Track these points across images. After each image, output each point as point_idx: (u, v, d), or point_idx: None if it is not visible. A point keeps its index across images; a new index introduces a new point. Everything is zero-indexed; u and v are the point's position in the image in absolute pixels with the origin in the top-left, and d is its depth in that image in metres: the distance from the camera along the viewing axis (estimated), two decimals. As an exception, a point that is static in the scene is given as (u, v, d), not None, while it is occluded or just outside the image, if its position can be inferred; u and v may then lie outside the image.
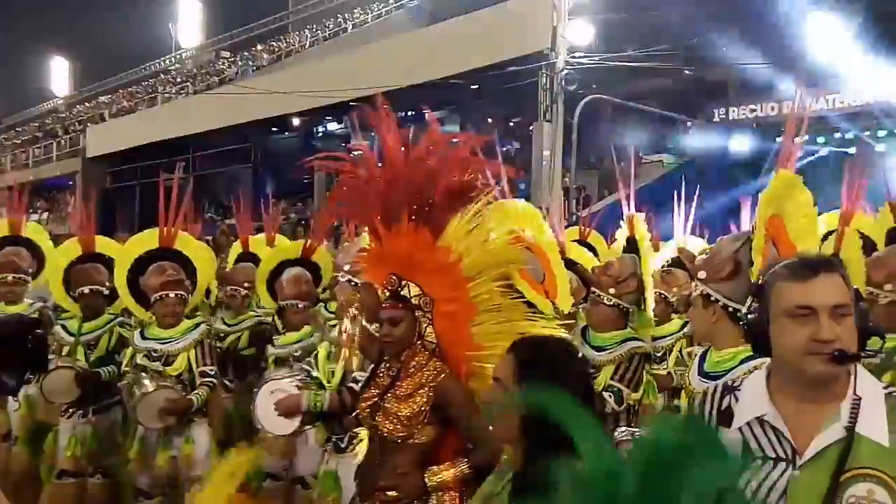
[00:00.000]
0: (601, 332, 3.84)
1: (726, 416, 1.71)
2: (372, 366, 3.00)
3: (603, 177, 18.36)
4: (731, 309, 2.59)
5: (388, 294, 2.80)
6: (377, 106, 2.94)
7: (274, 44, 28.29)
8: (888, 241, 3.93)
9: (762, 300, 1.67)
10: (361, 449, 3.63)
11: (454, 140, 3.20)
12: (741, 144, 17.27)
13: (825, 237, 3.67)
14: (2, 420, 4.97)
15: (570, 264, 4.39)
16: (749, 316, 1.72)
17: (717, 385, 1.83)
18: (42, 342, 4.29)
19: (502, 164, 3.67)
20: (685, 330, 4.51)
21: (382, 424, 2.70)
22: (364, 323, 3.48)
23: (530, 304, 3.11)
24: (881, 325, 3.12)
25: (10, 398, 4.82)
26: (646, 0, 15.23)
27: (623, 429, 3.44)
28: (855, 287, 1.69)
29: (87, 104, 36.62)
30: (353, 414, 3.41)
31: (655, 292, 4.39)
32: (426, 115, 3.13)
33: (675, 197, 5.57)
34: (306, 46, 26.63)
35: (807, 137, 3.08)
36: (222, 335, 5.09)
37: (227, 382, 5.02)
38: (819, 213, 2.97)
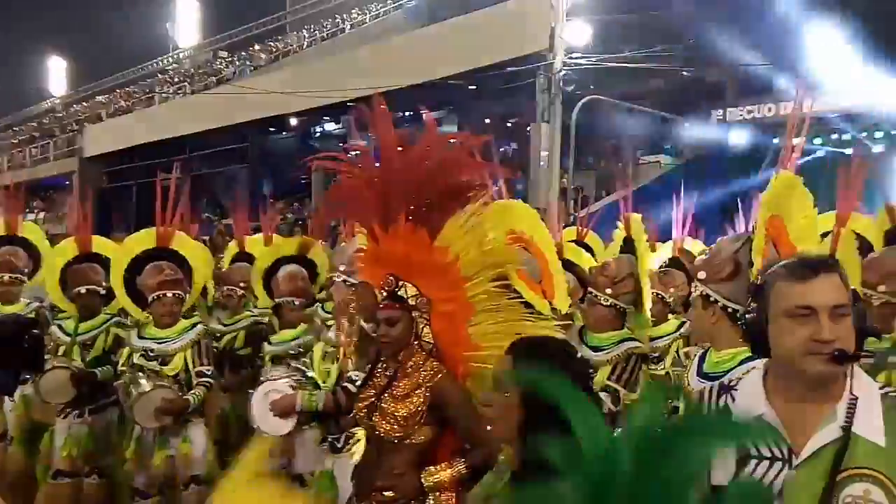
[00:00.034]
0: (598, 333, 3.84)
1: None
2: (369, 366, 3.00)
3: (600, 177, 18.40)
4: (730, 310, 2.59)
5: (385, 294, 2.80)
6: (375, 106, 2.94)
7: (272, 44, 28.28)
8: (886, 243, 3.93)
9: (761, 300, 1.67)
10: (358, 449, 3.63)
11: (452, 140, 3.20)
12: (738, 145, 17.30)
13: (821, 238, 3.67)
14: (-2, 420, 4.96)
15: (568, 265, 4.39)
16: (748, 316, 1.72)
17: (713, 384, 1.83)
18: (38, 342, 4.29)
19: (500, 164, 3.68)
20: (682, 330, 4.51)
21: (379, 424, 2.70)
22: (361, 323, 3.48)
23: (528, 305, 3.11)
24: (877, 326, 3.14)
25: (6, 398, 4.81)
26: (643, 1, 15.25)
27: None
28: (852, 288, 1.70)
29: (84, 104, 36.56)
30: (350, 414, 3.41)
31: (652, 293, 4.40)
32: (424, 115, 3.13)
33: (673, 197, 5.57)
34: (304, 46, 26.62)
35: (804, 138, 3.08)
36: (218, 335, 5.09)
37: (224, 382, 5.01)
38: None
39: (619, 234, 4.59)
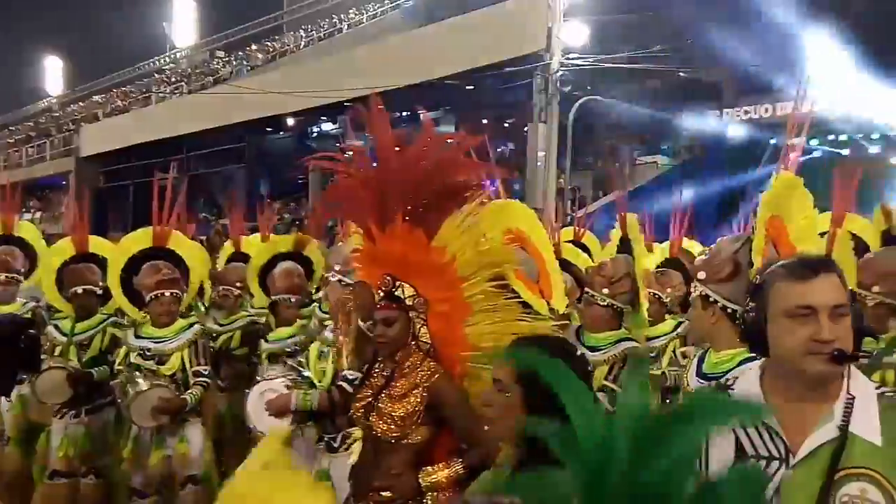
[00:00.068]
0: (595, 333, 3.85)
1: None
2: (366, 366, 3.00)
3: (597, 178, 18.42)
4: (730, 310, 2.59)
5: (382, 295, 2.80)
6: (371, 106, 2.94)
7: (269, 44, 28.25)
8: (882, 244, 3.94)
9: (759, 300, 1.68)
10: (355, 449, 3.63)
11: (449, 140, 3.20)
12: (735, 145, 17.33)
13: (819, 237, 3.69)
14: (-5, 420, 4.95)
15: (565, 265, 4.40)
16: (747, 315, 1.72)
17: (710, 384, 1.83)
18: (35, 342, 4.28)
19: (497, 164, 3.68)
20: (679, 330, 4.52)
21: (376, 424, 2.70)
22: (359, 322, 3.47)
23: (526, 304, 3.11)
24: (872, 326, 3.16)
25: (2, 398, 4.80)
26: (641, 1, 15.27)
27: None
28: (850, 288, 1.70)
29: (80, 103, 36.51)
30: (346, 413, 3.41)
31: (650, 293, 4.40)
32: (421, 115, 3.13)
33: (670, 198, 5.58)
34: (301, 46, 26.60)
35: (804, 138, 3.09)
36: (214, 335, 5.08)
37: (220, 382, 5.01)
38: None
39: (615, 234, 4.60)
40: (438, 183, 2.85)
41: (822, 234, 3.57)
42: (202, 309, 5.45)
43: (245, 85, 21.33)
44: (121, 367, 4.26)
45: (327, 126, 23.52)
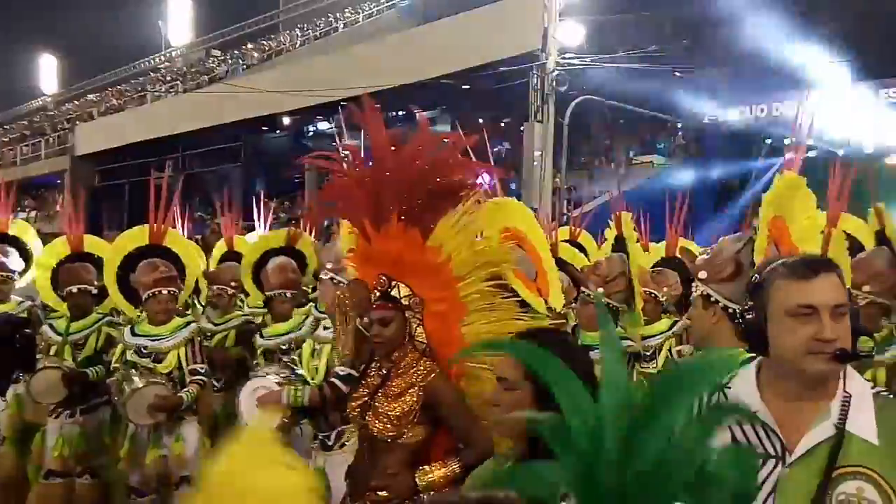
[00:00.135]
0: (591, 332, 3.86)
1: (716, 414, 1.72)
2: (363, 365, 3.00)
3: (593, 177, 18.43)
4: (731, 310, 2.58)
5: (378, 294, 2.80)
6: (365, 106, 2.94)
7: (264, 43, 28.22)
8: (876, 244, 3.97)
9: (759, 298, 1.68)
10: (349, 447, 3.63)
11: (444, 140, 3.20)
12: (731, 145, 17.37)
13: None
14: (-10, 420, 4.94)
15: (561, 264, 4.41)
16: (746, 314, 1.72)
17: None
18: (30, 342, 4.28)
19: (493, 164, 3.68)
20: (674, 329, 4.54)
21: (372, 423, 2.70)
22: (356, 321, 3.47)
23: (523, 303, 3.12)
24: (866, 325, 3.18)
25: (-2, 397, 4.80)
26: (636, 1, 15.30)
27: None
28: (848, 287, 1.71)
29: (75, 102, 36.43)
30: (337, 410, 3.41)
31: (646, 292, 4.42)
32: (417, 114, 3.13)
33: (666, 197, 5.59)
34: (297, 46, 26.58)
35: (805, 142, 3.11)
36: (209, 334, 5.07)
37: (215, 381, 5.00)
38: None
39: (610, 233, 4.61)
40: (433, 182, 2.85)
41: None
42: (199, 308, 5.45)
43: (241, 84, 21.31)
44: (117, 366, 4.25)
45: (323, 125, 23.51)
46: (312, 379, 3.85)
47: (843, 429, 1.57)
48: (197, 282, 5.07)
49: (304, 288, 5.01)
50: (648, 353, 4.48)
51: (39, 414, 4.64)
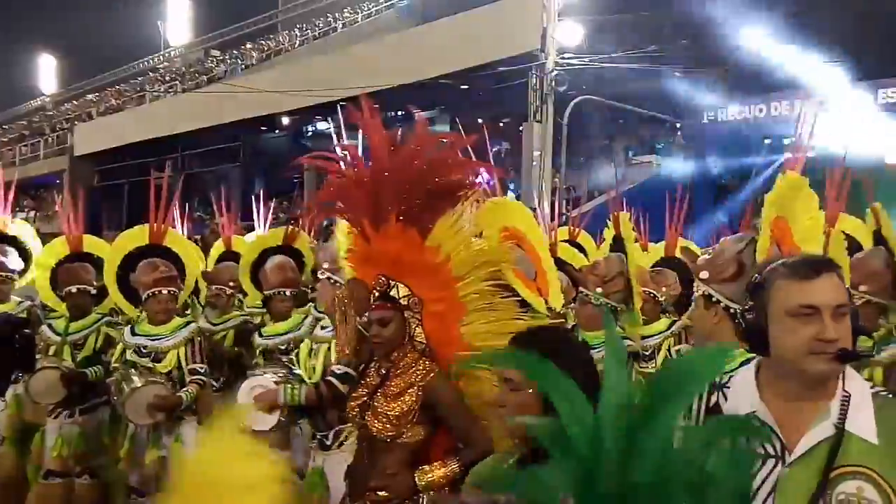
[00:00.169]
0: (590, 331, 3.86)
1: (714, 413, 1.72)
2: (362, 365, 3.00)
3: (592, 177, 18.43)
4: (732, 310, 2.58)
5: (377, 295, 2.80)
6: (363, 106, 2.94)
7: (263, 42, 28.23)
8: (874, 244, 3.98)
9: (759, 298, 1.68)
10: (348, 446, 3.63)
11: (443, 140, 3.20)
12: (730, 145, 17.38)
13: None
14: (-11, 420, 4.94)
15: (560, 264, 4.41)
16: (746, 314, 1.72)
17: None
18: (30, 342, 4.28)
19: (492, 164, 3.69)
20: (673, 329, 4.55)
21: (371, 423, 2.71)
22: (356, 320, 3.47)
23: (524, 303, 3.12)
24: (866, 325, 3.18)
25: (-3, 398, 4.80)
26: (635, 1, 15.30)
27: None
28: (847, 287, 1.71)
29: (74, 102, 36.41)
30: (335, 408, 3.41)
31: (645, 291, 4.43)
32: (415, 114, 3.13)
33: (665, 198, 5.60)
34: (296, 45, 26.59)
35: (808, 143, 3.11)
36: (208, 334, 5.07)
37: (214, 382, 5.00)
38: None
39: (609, 233, 4.62)
40: (432, 182, 2.85)
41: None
42: (199, 308, 5.44)
43: (240, 84, 21.31)
44: (117, 365, 4.25)
45: (322, 125, 23.48)
46: (310, 378, 3.85)
47: (842, 428, 1.57)
48: (196, 282, 5.06)
49: (304, 288, 5.00)
50: (647, 353, 4.49)
51: (39, 414, 4.64)
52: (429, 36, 17.66)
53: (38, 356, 4.46)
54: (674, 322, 4.60)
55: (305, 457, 4.10)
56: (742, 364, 2.49)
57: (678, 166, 17.25)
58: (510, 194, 15.31)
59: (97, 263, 4.75)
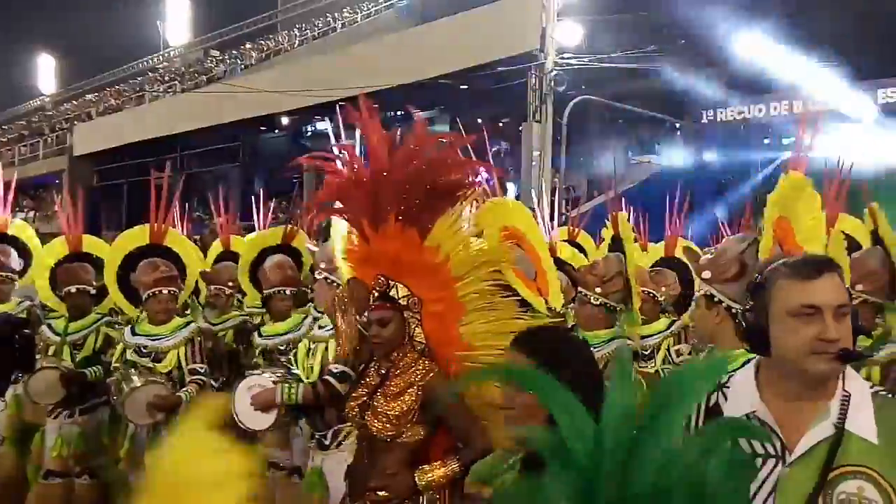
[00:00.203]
0: (589, 331, 3.87)
1: (715, 413, 1.72)
2: (362, 365, 3.00)
3: (592, 177, 18.44)
4: (734, 310, 2.58)
5: (376, 295, 2.80)
6: (361, 106, 2.94)
7: (263, 42, 28.22)
8: (872, 244, 3.99)
9: (760, 298, 1.67)
10: (346, 446, 3.62)
11: (442, 140, 3.20)
12: (728, 146, 17.40)
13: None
14: (-11, 420, 4.94)
15: (559, 264, 4.42)
16: (747, 314, 1.71)
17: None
18: (30, 342, 4.28)
19: (491, 164, 3.69)
20: (672, 328, 4.56)
21: (371, 423, 2.71)
22: (355, 318, 3.47)
23: (524, 303, 3.12)
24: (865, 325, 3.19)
25: (-3, 398, 4.80)
26: (635, 1, 15.31)
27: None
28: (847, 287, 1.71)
29: (73, 102, 36.41)
30: (332, 407, 3.41)
31: (644, 291, 4.43)
32: (415, 114, 3.13)
33: (664, 197, 5.61)
34: (295, 45, 26.59)
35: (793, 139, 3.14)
36: (207, 334, 5.06)
37: (214, 382, 5.00)
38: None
39: (607, 233, 4.62)
40: (431, 182, 2.85)
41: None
42: (199, 307, 5.44)
43: (239, 84, 21.31)
44: (117, 365, 4.24)
45: (322, 125, 23.46)
46: (308, 378, 3.84)
47: (842, 428, 1.57)
48: (196, 282, 5.06)
49: (304, 288, 5.00)
50: (646, 353, 4.50)
51: (39, 414, 4.64)
52: (428, 36, 17.66)
53: (37, 356, 4.46)
54: (673, 322, 4.60)
55: (305, 457, 4.10)
56: (745, 363, 2.49)
57: (677, 166, 17.27)
58: (512, 185, 15.35)
59: (96, 263, 4.75)
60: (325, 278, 4.05)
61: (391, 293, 2.77)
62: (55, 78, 45.66)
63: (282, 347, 4.39)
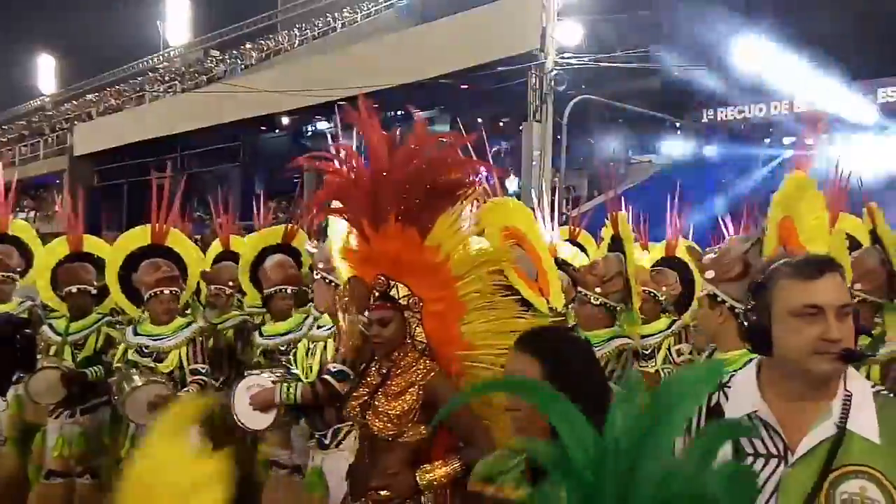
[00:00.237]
0: (589, 331, 3.87)
1: (716, 413, 1.72)
2: (363, 365, 3.01)
3: (592, 177, 18.45)
4: (737, 310, 2.58)
5: (377, 295, 2.81)
6: (361, 106, 2.94)
7: (263, 42, 28.23)
8: (871, 243, 4.00)
9: (762, 298, 1.67)
10: (346, 445, 3.62)
11: (442, 139, 3.20)
12: (729, 144, 17.40)
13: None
14: (-10, 420, 4.95)
15: (560, 264, 4.42)
16: (749, 314, 1.71)
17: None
18: (31, 342, 4.28)
19: (491, 163, 3.69)
20: (673, 328, 4.56)
21: (372, 422, 2.71)
22: (356, 318, 3.47)
23: (524, 302, 3.13)
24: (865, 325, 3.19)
25: (-2, 398, 4.80)
26: (635, 1, 15.31)
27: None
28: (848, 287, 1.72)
29: (74, 102, 36.42)
30: (331, 406, 3.41)
31: (645, 291, 4.44)
32: (415, 114, 3.13)
33: (665, 197, 5.61)
34: (295, 45, 26.60)
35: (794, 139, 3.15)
36: (209, 334, 5.06)
37: (214, 382, 5.00)
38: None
39: (607, 232, 4.62)
40: (431, 182, 2.85)
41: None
42: (200, 308, 5.44)
43: (239, 84, 21.31)
44: (119, 365, 4.25)
45: (322, 125, 23.48)
46: (307, 377, 3.85)
47: (844, 428, 1.57)
48: (198, 282, 5.07)
49: (305, 288, 5.00)
50: (647, 352, 4.50)
51: (40, 414, 4.65)
52: (428, 36, 17.66)
53: (38, 356, 4.47)
54: (674, 321, 4.61)
55: (305, 456, 4.11)
56: (747, 363, 2.49)
57: (678, 166, 17.27)
58: (513, 181, 15.34)
59: (97, 263, 4.75)
60: (323, 278, 4.05)
61: (391, 293, 2.77)
62: (55, 78, 45.68)
63: (283, 347, 4.40)
